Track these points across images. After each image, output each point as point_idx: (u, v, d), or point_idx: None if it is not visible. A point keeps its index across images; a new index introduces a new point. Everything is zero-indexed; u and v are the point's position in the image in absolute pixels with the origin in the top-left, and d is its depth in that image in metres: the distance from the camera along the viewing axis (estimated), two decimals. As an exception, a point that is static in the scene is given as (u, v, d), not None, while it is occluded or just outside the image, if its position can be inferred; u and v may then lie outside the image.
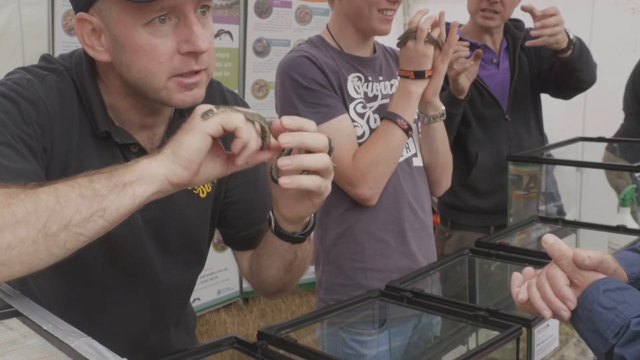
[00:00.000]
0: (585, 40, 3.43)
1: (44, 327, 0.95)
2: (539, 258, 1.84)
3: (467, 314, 1.53)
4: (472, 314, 1.51)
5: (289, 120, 1.08)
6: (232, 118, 1.02)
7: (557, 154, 2.88)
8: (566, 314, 1.13)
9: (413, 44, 1.89)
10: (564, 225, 2.29)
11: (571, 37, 2.40)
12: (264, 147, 1.08)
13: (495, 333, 1.45)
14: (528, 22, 2.73)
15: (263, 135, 1.08)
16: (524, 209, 2.70)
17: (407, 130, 1.90)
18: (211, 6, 1.20)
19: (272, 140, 1.09)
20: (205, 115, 1.03)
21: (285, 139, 1.06)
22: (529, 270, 1.23)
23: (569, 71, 2.52)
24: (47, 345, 0.94)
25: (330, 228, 1.99)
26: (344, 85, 1.94)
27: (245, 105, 1.48)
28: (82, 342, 0.89)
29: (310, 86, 1.85)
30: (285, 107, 1.88)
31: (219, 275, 4.58)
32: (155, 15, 1.12)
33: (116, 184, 1.00)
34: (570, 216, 2.85)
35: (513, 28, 2.69)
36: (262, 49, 4.49)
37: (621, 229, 2.14)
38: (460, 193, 2.69)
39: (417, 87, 1.91)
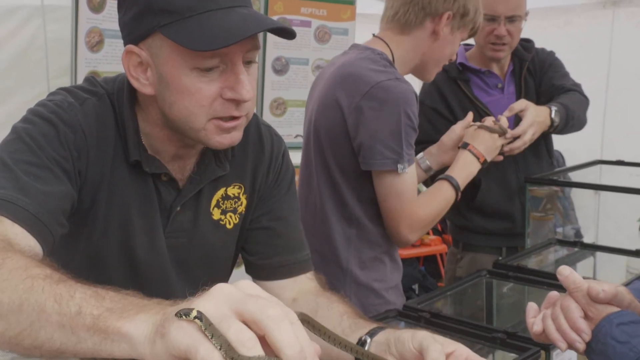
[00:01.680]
0: (605, 63, 3.43)
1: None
2: (557, 281, 1.83)
3: (484, 335, 1.52)
4: (490, 335, 1.51)
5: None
6: None
7: (575, 176, 2.87)
8: (581, 345, 1.13)
9: (499, 141, 2.13)
10: (582, 248, 2.29)
11: (553, 117, 2.36)
12: None
13: (513, 355, 1.45)
14: (538, 41, 2.72)
15: None
16: (540, 231, 2.69)
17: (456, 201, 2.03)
18: (255, 62, 1.20)
19: None
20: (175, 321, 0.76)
21: None
22: (553, 294, 1.22)
23: (557, 134, 2.56)
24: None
25: (362, 253, 2.00)
26: None
27: (279, 140, 1.46)
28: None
29: (416, 127, 1.87)
30: (383, 140, 1.82)
31: (234, 291, 4.59)
32: (206, 61, 1.13)
33: (97, 332, 0.86)
34: (587, 239, 2.84)
35: (521, 50, 2.64)
36: (280, 68, 4.51)
37: (640, 253, 2.13)
38: (468, 215, 2.67)
39: (476, 170, 2.09)
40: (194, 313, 0.75)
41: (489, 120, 2.18)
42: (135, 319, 0.85)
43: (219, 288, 0.78)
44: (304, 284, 1.40)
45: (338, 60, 2.02)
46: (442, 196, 1.98)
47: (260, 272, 1.43)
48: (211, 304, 0.76)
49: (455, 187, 1.99)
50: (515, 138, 2.27)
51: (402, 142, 1.81)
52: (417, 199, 1.91)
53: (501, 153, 2.23)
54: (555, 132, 2.46)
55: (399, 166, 1.82)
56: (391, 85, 1.83)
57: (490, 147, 2.11)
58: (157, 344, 0.79)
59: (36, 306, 0.90)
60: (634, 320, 1.09)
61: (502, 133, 2.15)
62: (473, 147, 2.07)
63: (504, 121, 2.20)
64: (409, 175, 1.86)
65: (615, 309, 1.12)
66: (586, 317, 1.14)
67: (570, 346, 1.14)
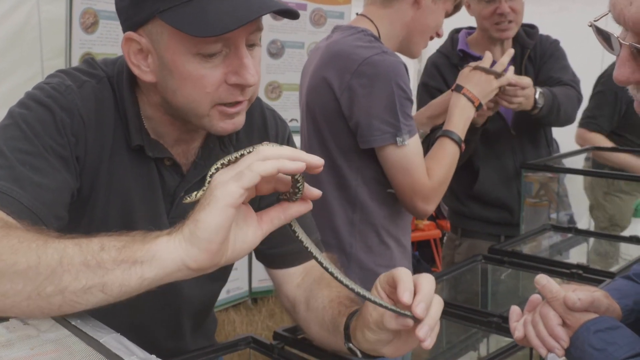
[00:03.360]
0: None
1: (73, 322, 0.97)
2: (551, 266, 1.86)
3: (480, 320, 1.54)
4: (486, 320, 1.52)
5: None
6: (251, 172, 0.89)
7: (569, 162, 2.88)
8: (560, 352, 1.14)
9: (494, 82, 2.05)
10: (576, 234, 2.30)
11: (537, 98, 2.33)
12: (296, 198, 0.98)
13: (507, 340, 1.46)
14: (542, 27, 2.71)
15: (294, 183, 0.96)
16: (535, 217, 2.70)
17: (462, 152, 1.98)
18: (258, 44, 1.18)
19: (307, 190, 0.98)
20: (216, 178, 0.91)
21: (421, 309, 0.98)
22: (535, 298, 1.23)
23: (543, 123, 2.55)
24: (63, 338, 0.95)
25: (367, 237, 1.99)
26: None
27: (284, 124, 1.45)
28: (111, 338, 0.90)
29: (410, 98, 1.85)
30: (379, 116, 1.81)
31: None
32: (209, 47, 1.10)
33: (125, 259, 0.92)
34: (581, 225, 2.86)
35: (524, 36, 2.61)
36: (276, 51, 4.51)
37: (634, 240, 2.14)
38: (466, 202, 2.67)
39: (472, 114, 2.02)
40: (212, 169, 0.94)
41: (485, 61, 2.11)
42: (159, 240, 0.93)
43: (207, 197, 0.90)
44: (314, 269, 1.38)
45: (323, 43, 2.01)
46: (446, 156, 1.94)
47: (270, 261, 1.41)
48: (211, 207, 0.89)
49: (457, 140, 1.95)
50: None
51: (398, 115, 1.80)
52: (425, 168, 1.88)
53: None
54: (538, 117, 2.42)
55: (398, 139, 1.81)
56: (379, 59, 1.82)
57: (486, 89, 2.05)
58: (195, 236, 0.90)
59: (55, 254, 0.93)
60: (610, 326, 1.11)
61: (498, 75, 2.08)
62: (467, 90, 2.02)
63: (505, 58, 2.14)
64: (412, 146, 1.84)
65: (592, 316, 1.13)
66: (564, 324, 1.15)
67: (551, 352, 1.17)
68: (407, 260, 2.07)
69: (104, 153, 1.21)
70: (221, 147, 1.32)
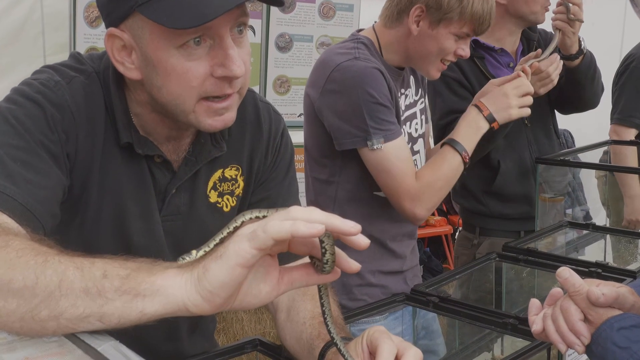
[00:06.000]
0: (617, 43, 3.34)
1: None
2: (568, 264, 1.80)
3: (495, 321, 1.48)
4: (501, 321, 1.47)
5: None
6: (264, 233, 0.81)
7: (585, 157, 2.82)
8: (580, 348, 1.10)
9: (515, 101, 1.98)
10: (593, 230, 2.24)
11: (582, 46, 2.40)
12: (324, 270, 0.89)
13: (525, 342, 1.41)
14: (548, 21, 2.66)
15: (322, 251, 0.86)
16: (550, 213, 2.65)
17: (467, 164, 1.92)
18: (247, 23, 1.13)
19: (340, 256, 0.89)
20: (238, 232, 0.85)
21: None
22: (556, 291, 1.19)
23: (573, 84, 2.50)
24: (65, 344, 0.92)
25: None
26: (397, 100, 1.93)
27: (278, 118, 1.41)
28: (109, 346, 0.88)
29: (383, 103, 1.82)
30: (349, 120, 1.83)
31: (237, 271, 4.56)
32: (190, 37, 1.06)
33: (128, 290, 0.88)
34: (598, 220, 2.80)
35: (527, 30, 2.63)
36: (284, 44, 4.45)
37: (654, 236, 2.08)
38: (485, 200, 2.62)
39: (486, 126, 1.95)
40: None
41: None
42: (166, 273, 0.88)
43: (224, 246, 0.85)
44: None
45: None
46: (442, 162, 1.90)
47: None
48: (222, 261, 0.84)
49: (459, 150, 1.89)
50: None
51: (366, 119, 1.80)
52: (413, 170, 1.86)
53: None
54: (580, 69, 2.42)
55: (369, 143, 1.81)
56: (348, 65, 1.84)
57: (502, 105, 1.97)
58: (202, 284, 0.85)
59: (54, 277, 0.89)
60: (635, 324, 1.06)
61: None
62: (479, 102, 1.99)
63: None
64: (390, 150, 1.82)
65: (616, 312, 1.09)
66: (586, 320, 1.11)
67: (570, 347, 1.12)
68: (396, 262, 2.03)
69: (96, 151, 1.18)
70: (213, 142, 1.29)
